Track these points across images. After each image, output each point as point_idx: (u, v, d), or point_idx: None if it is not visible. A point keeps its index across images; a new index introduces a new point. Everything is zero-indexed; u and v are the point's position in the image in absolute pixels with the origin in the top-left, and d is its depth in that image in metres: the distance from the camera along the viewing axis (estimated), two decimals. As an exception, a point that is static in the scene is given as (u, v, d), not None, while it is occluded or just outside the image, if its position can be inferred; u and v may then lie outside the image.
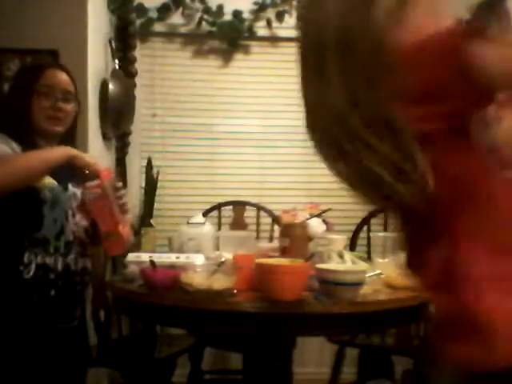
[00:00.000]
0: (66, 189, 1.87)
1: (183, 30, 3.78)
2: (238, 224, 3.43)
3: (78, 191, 1.91)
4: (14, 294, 1.78)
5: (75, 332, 1.97)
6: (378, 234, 2.59)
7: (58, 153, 1.80)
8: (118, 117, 3.40)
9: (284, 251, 2.22)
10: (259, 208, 3.44)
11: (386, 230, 3.05)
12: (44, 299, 1.81)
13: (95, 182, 1.81)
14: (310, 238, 2.31)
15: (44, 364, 1.82)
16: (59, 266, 1.83)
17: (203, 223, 2.43)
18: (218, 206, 3.43)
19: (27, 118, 1.84)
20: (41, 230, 1.80)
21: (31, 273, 1.77)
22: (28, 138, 1.82)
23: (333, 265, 2.13)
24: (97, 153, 3.20)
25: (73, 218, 1.88)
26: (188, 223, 2.43)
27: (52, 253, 1.82)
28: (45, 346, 1.83)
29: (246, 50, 3.85)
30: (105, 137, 3.40)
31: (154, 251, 2.49)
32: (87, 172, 1.81)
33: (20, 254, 1.78)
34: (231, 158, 3.84)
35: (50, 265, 1.81)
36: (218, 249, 2.34)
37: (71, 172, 1.96)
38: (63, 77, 1.92)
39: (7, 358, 1.77)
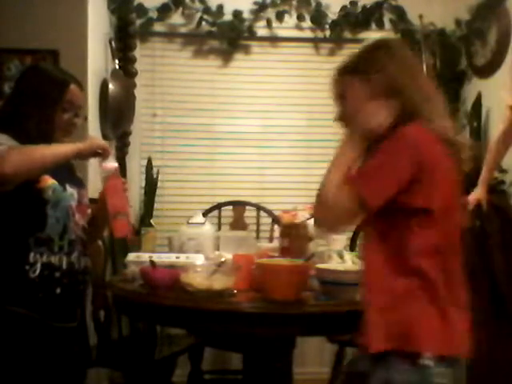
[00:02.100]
0: (64, 189, 1.89)
1: (183, 29, 3.78)
2: (238, 224, 3.43)
3: (75, 191, 1.93)
4: (20, 293, 1.80)
5: (76, 332, 1.98)
6: (378, 234, 2.58)
7: (68, 148, 1.82)
8: (118, 117, 3.40)
9: (284, 251, 2.22)
10: (259, 208, 3.44)
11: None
12: (49, 297, 1.83)
13: (110, 162, 1.88)
14: (310, 238, 2.31)
15: (45, 364, 1.82)
16: (64, 265, 1.85)
17: (203, 223, 2.43)
18: (218, 206, 3.43)
19: (50, 131, 1.88)
20: (45, 230, 1.82)
21: (37, 272, 1.80)
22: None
23: (333, 265, 2.13)
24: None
25: (73, 218, 1.90)
26: (188, 223, 2.43)
27: (57, 252, 1.84)
28: (46, 345, 1.83)
29: (246, 50, 3.85)
30: (105, 137, 3.40)
31: (153, 251, 2.49)
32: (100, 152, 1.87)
33: (25, 254, 1.80)
34: (231, 158, 3.84)
35: (55, 264, 1.83)
36: (218, 249, 2.34)
37: (68, 172, 1.97)
38: (80, 93, 1.97)
39: (9, 357, 1.78)
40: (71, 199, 1.90)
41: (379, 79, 1.49)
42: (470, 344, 1.48)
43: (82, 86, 2.02)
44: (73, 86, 1.93)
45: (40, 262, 1.80)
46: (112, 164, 1.89)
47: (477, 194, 2.80)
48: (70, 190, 1.91)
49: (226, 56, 3.83)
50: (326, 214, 1.54)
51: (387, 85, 1.49)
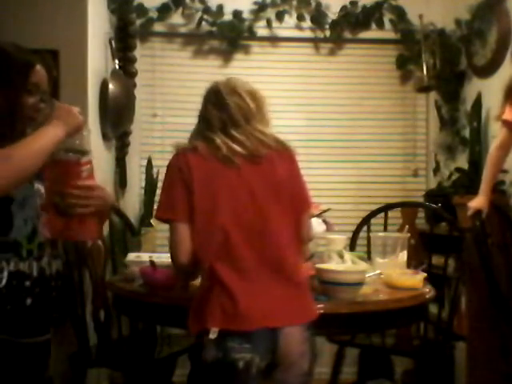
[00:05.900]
0: (32, 185, 1.63)
1: (183, 29, 3.78)
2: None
3: (41, 187, 1.66)
4: None
5: (48, 344, 1.73)
6: (378, 234, 2.59)
7: (52, 133, 1.54)
8: (118, 117, 3.39)
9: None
10: (259, 208, 3.43)
11: (385, 229, 3.05)
12: (19, 309, 1.59)
13: (87, 158, 1.63)
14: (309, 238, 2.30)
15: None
16: (34, 272, 1.62)
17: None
18: (218, 206, 3.41)
19: (14, 118, 1.62)
20: (11, 233, 1.58)
21: (3, 282, 1.55)
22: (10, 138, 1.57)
23: (333, 265, 2.13)
24: (97, 153, 3.20)
25: (41, 218, 1.65)
26: (188, 223, 2.42)
27: (25, 257, 1.60)
28: (13, 366, 1.60)
29: (246, 50, 3.84)
30: (105, 137, 3.40)
31: (154, 251, 2.49)
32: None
33: None
34: (231, 158, 3.83)
35: (24, 271, 1.59)
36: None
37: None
38: (45, 76, 1.72)
39: None
40: (37, 196, 1.65)
41: None
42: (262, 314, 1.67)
43: (51, 68, 1.77)
44: (38, 67, 1.68)
45: (7, 270, 1.56)
46: (87, 159, 1.63)
47: (477, 203, 2.78)
48: (37, 185, 1.65)
49: (226, 56, 3.83)
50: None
51: None
